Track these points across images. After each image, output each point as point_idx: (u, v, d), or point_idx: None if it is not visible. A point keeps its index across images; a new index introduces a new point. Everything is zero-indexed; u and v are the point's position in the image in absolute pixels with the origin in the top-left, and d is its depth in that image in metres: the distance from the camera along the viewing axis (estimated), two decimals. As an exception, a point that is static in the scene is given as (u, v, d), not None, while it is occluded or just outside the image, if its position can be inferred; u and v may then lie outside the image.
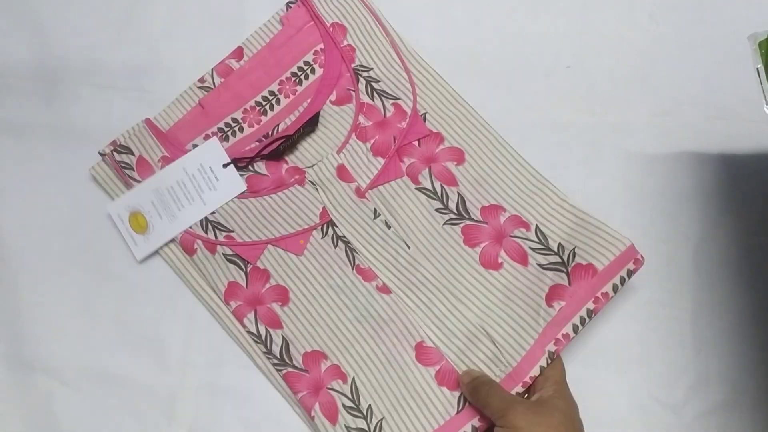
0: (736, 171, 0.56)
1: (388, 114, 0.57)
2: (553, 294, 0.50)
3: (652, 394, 0.52)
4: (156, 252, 0.56)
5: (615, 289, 0.50)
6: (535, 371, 0.49)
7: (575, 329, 0.49)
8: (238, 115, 0.59)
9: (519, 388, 0.49)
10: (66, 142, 0.60)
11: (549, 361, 0.49)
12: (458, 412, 0.50)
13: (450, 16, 0.61)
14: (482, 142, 0.56)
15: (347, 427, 0.50)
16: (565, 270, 0.51)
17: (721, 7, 0.59)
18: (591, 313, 0.49)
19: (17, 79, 0.62)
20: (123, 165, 0.57)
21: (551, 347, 0.49)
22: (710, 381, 0.52)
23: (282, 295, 0.54)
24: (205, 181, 0.56)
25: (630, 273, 0.50)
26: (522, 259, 0.52)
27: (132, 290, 0.57)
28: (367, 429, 0.50)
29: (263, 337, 0.53)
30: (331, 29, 0.59)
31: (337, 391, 0.51)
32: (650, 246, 0.53)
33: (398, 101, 0.57)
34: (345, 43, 0.59)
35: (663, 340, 0.53)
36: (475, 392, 0.48)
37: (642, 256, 0.50)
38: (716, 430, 0.52)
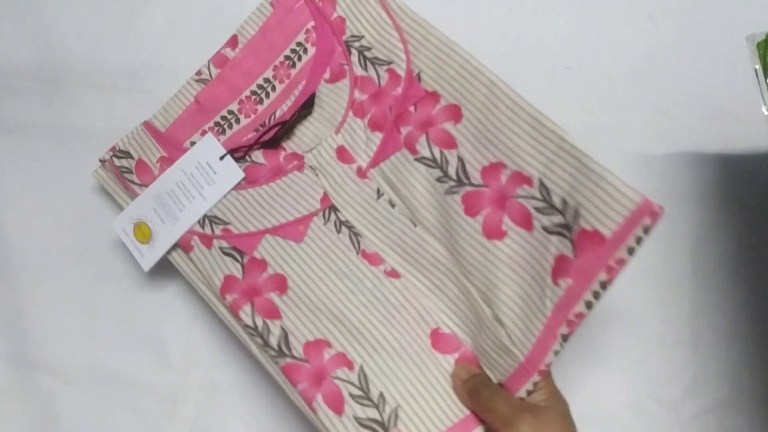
0: (734, 171, 0.56)
1: (383, 82, 0.54)
2: (558, 269, 0.43)
3: (650, 393, 0.53)
4: (163, 258, 0.55)
5: (631, 251, 0.41)
6: (549, 357, 0.43)
7: (588, 305, 0.42)
8: (234, 107, 0.57)
9: (536, 377, 0.44)
10: (67, 142, 0.60)
11: (563, 345, 0.43)
12: None
13: (449, 18, 0.61)
14: (478, 90, 0.49)
15: (356, 418, 0.45)
16: (568, 236, 0.43)
17: (720, 9, 0.59)
18: (605, 285, 0.41)
19: (19, 80, 0.62)
20: (123, 169, 0.56)
21: (564, 330, 0.42)
22: (708, 380, 0.53)
23: (280, 283, 0.51)
24: (203, 176, 0.55)
25: (647, 229, 0.41)
26: (526, 222, 0.46)
27: (133, 289, 0.57)
28: (380, 419, 0.45)
29: (260, 329, 0.49)
30: (320, 3, 0.57)
31: (342, 379, 0.47)
32: (648, 246, 0.53)
33: (391, 65, 0.53)
34: (335, 15, 0.56)
35: (661, 339, 0.54)
36: (475, 394, 0.45)
37: (660, 207, 0.41)
38: (714, 429, 0.52)
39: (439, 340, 0.48)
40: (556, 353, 0.44)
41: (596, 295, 0.42)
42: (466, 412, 0.46)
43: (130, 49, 0.62)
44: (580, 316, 0.42)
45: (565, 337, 0.43)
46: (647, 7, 0.60)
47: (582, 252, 0.42)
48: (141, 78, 0.61)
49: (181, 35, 0.62)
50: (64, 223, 0.59)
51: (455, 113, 0.50)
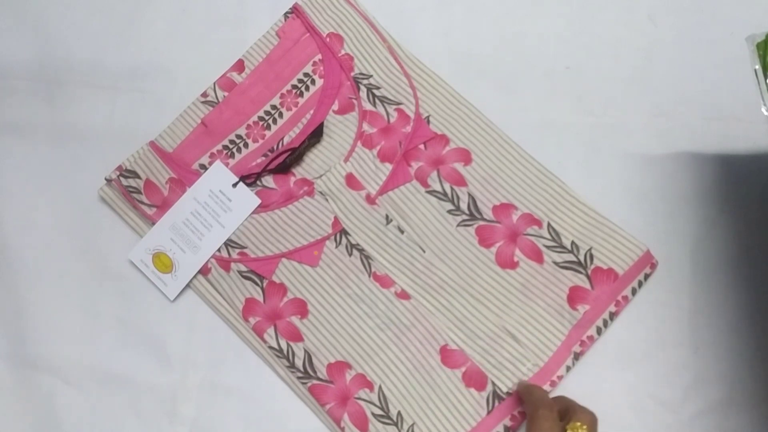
0: (733, 171, 0.56)
1: (392, 119, 0.57)
2: (575, 296, 0.52)
3: (651, 393, 0.53)
4: (187, 286, 0.56)
5: (633, 292, 0.53)
6: (561, 371, 0.51)
7: (598, 331, 0.52)
8: (242, 131, 0.59)
9: (547, 387, 0.51)
10: (67, 142, 0.60)
11: (574, 362, 0.52)
12: (489, 413, 0.51)
13: (449, 18, 0.61)
14: (487, 140, 0.56)
15: None
16: (584, 272, 0.52)
17: (720, 9, 0.59)
18: (613, 316, 0.52)
19: (20, 80, 0.62)
20: (131, 189, 0.57)
21: (577, 348, 0.52)
22: (708, 380, 0.53)
23: (300, 307, 0.54)
24: (219, 204, 0.56)
25: (646, 276, 0.53)
26: (537, 256, 0.53)
27: (133, 289, 0.57)
28: None
29: (285, 351, 0.53)
30: (328, 39, 0.59)
31: (364, 400, 0.52)
32: (649, 245, 0.54)
33: (400, 106, 0.57)
34: (342, 52, 0.59)
35: (661, 339, 0.54)
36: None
37: (656, 261, 0.53)
38: (714, 429, 0.52)
39: (447, 356, 0.52)
40: (568, 368, 0.52)
41: (605, 323, 0.52)
42: (473, 424, 0.51)
43: (130, 49, 0.62)
44: (591, 339, 0.52)
45: (576, 356, 0.52)
46: (647, 7, 0.60)
47: (598, 285, 0.52)
48: (141, 78, 0.61)
49: (181, 35, 0.62)
50: (64, 223, 0.59)
51: (465, 156, 0.56)
